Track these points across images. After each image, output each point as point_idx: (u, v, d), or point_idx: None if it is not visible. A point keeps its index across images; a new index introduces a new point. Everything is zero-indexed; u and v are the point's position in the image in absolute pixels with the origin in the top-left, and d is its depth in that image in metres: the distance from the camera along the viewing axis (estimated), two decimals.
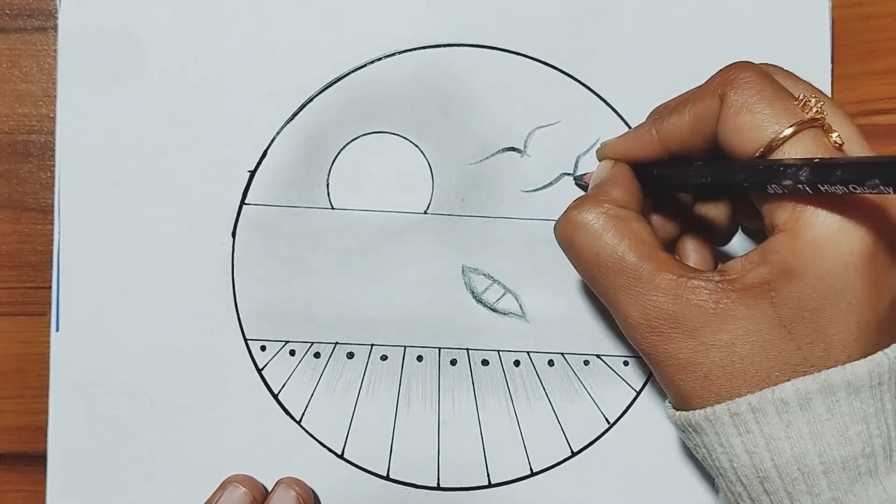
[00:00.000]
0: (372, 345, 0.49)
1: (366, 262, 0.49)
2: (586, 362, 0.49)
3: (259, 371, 0.48)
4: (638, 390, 0.49)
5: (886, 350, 0.36)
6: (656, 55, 0.49)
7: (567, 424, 0.49)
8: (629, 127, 0.49)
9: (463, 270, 0.49)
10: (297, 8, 0.49)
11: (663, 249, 0.40)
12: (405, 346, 0.49)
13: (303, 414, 0.48)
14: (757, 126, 0.36)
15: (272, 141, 0.48)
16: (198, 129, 0.48)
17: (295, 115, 0.49)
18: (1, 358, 0.49)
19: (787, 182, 0.34)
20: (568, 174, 0.49)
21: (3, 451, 0.49)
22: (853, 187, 0.32)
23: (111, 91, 0.48)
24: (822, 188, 0.33)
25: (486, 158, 0.49)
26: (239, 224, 0.48)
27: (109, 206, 0.48)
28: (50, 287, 0.48)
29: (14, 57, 0.49)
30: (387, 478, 0.49)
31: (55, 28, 0.48)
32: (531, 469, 0.49)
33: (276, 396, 0.48)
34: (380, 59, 0.49)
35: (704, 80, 0.40)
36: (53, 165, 0.48)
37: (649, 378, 0.49)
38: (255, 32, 0.48)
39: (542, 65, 0.49)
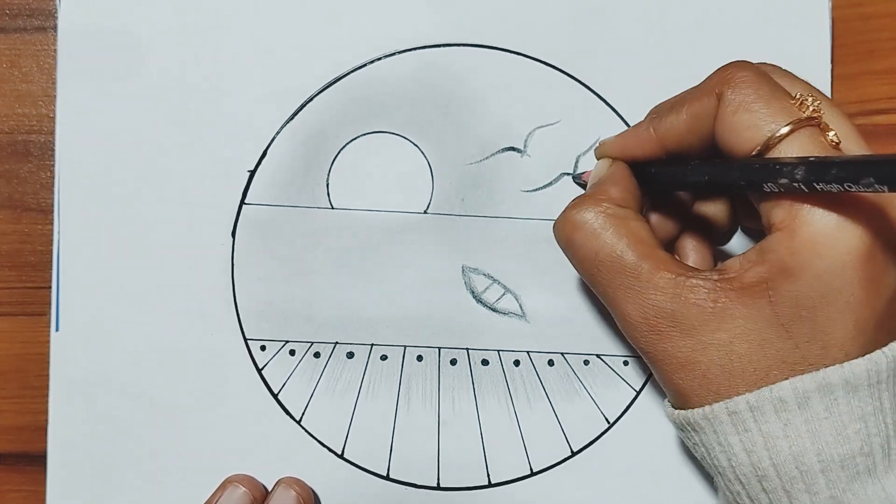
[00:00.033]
0: (372, 345, 0.49)
1: (366, 262, 0.49)
2: (586, 362, 0.49)
3: (259, 371, 0.48)
4: (638, 390, 0.49)
5: (884, 349, 0.36)
6: (656, 55, 0.49)
7: (567, 424, 0.49)
8: (629, 127, 0.49)
9: (463, 270, 0.49)
10: (297, 8, 0.49)
11: (662, 248, 0.40)
12: (405, 346, 0.49)
13: (303, 414, 0.48)
14: (753, 125, 0.36)
15: (272, 141, 0.48)
16: (198, 129, 0.48)
17: (295, 114, 0.49)
18: (1, 358, 0.49)
19: (783, 180, 0.34)
20: (568, 174, 0.49)
21: (3, 451, 0.49)
22: (848, 186, 0.32)
23: (111, 91, 0.48)
24: (817, 186, 0.33)
25: (486, 158, 0.49)
26: (239, 224, 0.48)
27: (109, 206, 0.48)
28: (50, 287, 0.48)
29: (14, 57, 0.49)
30: (387, 478, 0.49)
31: (55, 28, 0.48)
32: (531, 469, 0.49)
33: (276, 396, 0.48)
34: (380, 59, 0.49)
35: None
36: (53, 165, 0.48)
37: (649, 378, 0.49)
38: (255, 32, 0.49)
39: (542, 65, 0.49)
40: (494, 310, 0.49)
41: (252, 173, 0.48)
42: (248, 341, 0.48)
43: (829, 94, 0.49)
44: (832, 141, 0.36)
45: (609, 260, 0.39)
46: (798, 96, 0.37)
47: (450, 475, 0.49)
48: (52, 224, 0.48)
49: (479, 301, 0.49)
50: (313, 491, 0.48)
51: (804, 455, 0.35)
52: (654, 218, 0.45)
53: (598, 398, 0.49)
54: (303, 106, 0.49)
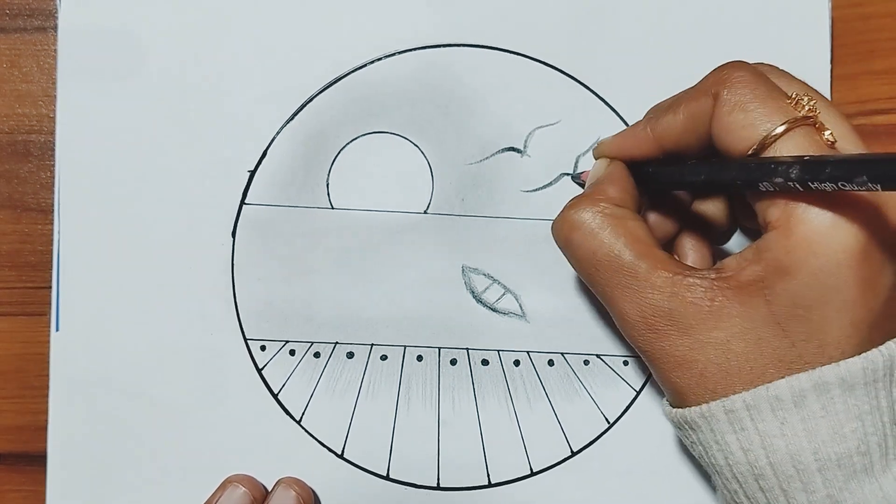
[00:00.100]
0: (372, 345, 0.49)
1: (366, 262, 0.49)
2: (586, 362, 0.49)
3: (259, 371, 0.48)
4: (638, 390, 0.49)
5: (881, 347, 0.36)
6: (656, 55, 0.49)
7: (567, 424, 0.49)
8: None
9: (463, 270, 0.49)
10: (297, 8, 0.49)
11: (660, 247, 0.40)
12: (405, 346, 0.49)
13: (303, 414, 0.49)
14: (749, 124, 0.36)
15: (272, 141, 0.48)
16: (198, 129, 0.48)
17: (295, 115, 0.49)
18: (1, 358, 0.49)
19: (778, 179, 0.34)
20: (568, 174, 0.49)
21: (3, 451, 0.49)
22: (842, 184, 0.32)
23: (111, 91, 0.48)
24: (812, 185, 0.33)
25: (486, 158, 0.49)
26: (239, 224, 0.48)
27: (109, 206, 0.48)
28: (50, 287, 0.48)
29: (14, 57, 0.49)
30: (387, 478, 0.49)
31: (55, 28, 0.48)
32: (531, 469, 0.49)
33: (276, 396, 0.48)
34: (380, 59, 0.49)
35: None
36: (53, 165, 0.48)
37: (649, 378, 0.49)
38: (255, 32, 0.49)
39: (542, 65, 0.49)
40: (494, 310, 0.49)
41: (252, 173, 0.48)
42: (248, 341, 0.48)
43: (828, 94, 0.49)
44: (828, 140, 0.36)
45: (607, 259, 0.39)
46: (794, 96, 0.37)
47: (450, 475, 0.49)
48: (52, 224, 0.48)
49: (479, 301, 0.49)
50: (313, 491, 0.48)
51: (801, 454, 0.35)
52: (653, 217, 0.45)
53: (598, 398, 0.49)
54: (303, 106, 0.49)
